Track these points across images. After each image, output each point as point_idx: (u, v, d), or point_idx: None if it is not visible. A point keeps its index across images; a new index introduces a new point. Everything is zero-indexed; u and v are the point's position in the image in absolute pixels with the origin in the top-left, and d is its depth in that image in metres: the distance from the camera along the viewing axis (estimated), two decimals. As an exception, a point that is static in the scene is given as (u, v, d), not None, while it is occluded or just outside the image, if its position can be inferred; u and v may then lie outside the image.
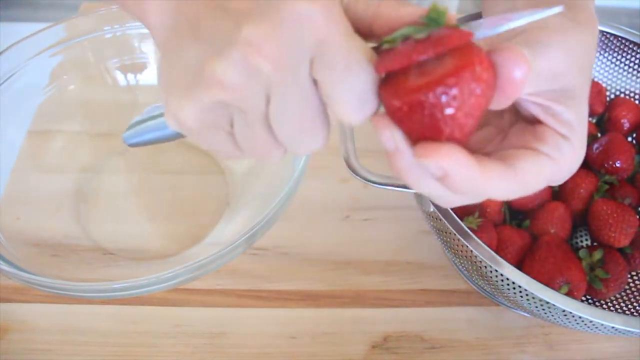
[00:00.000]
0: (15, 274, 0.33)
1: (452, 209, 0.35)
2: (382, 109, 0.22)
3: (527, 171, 0.24)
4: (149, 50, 0.51)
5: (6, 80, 0.44)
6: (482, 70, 0.20)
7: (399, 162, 0.22)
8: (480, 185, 0.23)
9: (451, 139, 0.21)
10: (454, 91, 0.20)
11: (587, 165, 0.47)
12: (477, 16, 0.48)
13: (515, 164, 0.24)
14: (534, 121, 0.26)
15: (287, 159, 0.42)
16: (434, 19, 0.21)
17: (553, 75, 0.24)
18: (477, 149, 0.27)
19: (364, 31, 0.23)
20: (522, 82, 0.22)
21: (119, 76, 0.51)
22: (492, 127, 0.28)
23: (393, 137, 0.22)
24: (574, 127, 0.25)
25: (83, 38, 0.48)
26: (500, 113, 0.28)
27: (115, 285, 0.33)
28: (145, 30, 0.49)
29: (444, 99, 0.20)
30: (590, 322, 0.33)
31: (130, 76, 0.51)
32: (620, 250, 0.42)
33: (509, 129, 0.27)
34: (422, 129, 0.21)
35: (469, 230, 0.35)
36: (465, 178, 0.22)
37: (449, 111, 0.20)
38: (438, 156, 0.21)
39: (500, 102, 0.22)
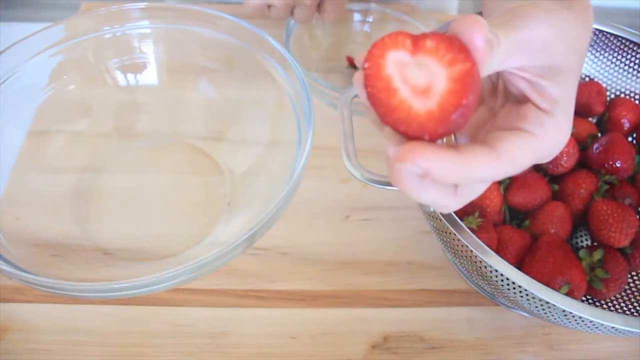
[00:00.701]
0: (15, 274, 0.33)
1: (452, 209, 0.35)
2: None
3: (510, 151, 0.24)
4: (149, 50, 0.51)
5: (6, 80, 0.44)
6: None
7: (393, 173, 0.23)
8: (465, 171, 0.23)
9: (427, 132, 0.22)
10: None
11: (587, 165, 0.47)
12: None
13: (497, 145, 0.24)
14: (522, 101, 0.27)
15: (287, 159, 0.42)
16: None
17: (539, 49, 0.25)
18: (471, 135, 0.28)
19: None
20: (482, 41, 0.22)
21: (119, 76, 0.51)
22: (485, 108, 0.29)
23: (389, 146, 0.23)
24: (557, 102, 0.26)
25: (83, 38, 0.48)
26: (493, 94, 0.29)
27: (115, 285, 0.33)
28: (145, 30, 0.50)
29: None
30: (590, 322, 0.33)
31: (130, 76, 0.51)
32: (621, 250, 0.42)
33: (499, 110, 0.28)
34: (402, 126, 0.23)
35: (469, 230, 0.35)
36: (446, 170, 0.23)
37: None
38: (411, 157, 0.22)
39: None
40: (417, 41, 0.22)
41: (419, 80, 0.22)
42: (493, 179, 0.25)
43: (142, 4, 0.48)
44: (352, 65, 0.63)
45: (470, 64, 0.22)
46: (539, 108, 0.26)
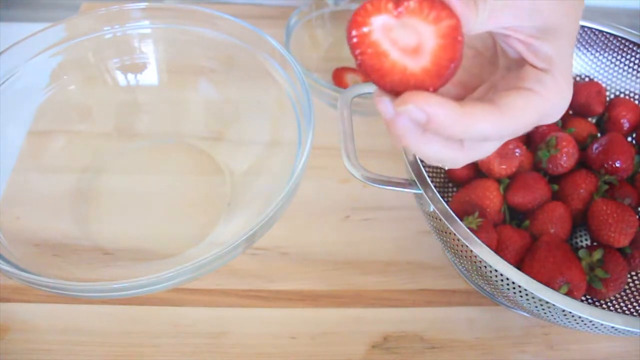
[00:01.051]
0: (15, 273, 0.33)
1: (452, 209, 0.35)
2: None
3: (512, 106, 0.25)
4: (149, 50, 0.51)
5: (6, 80, 0.44)
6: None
7: (395, 128, 0.24)
8: (466, 124, 0.23)
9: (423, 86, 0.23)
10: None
11: (586, 165, 0.47)
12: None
13: (499, 101, 0.25)
14: (520, 64, 0.27)
15: (287, 159, 0.42)
16: None
17: (528, 9, 0.25)
18: None
19: None
20: None
21: (119, 76, 0.51)
22: (487, 84, 0.29)
23: (385, 105, 0.23)
24: (553, 61, 0.26)
25: (83, 38, 0.48)
26: (493, 69, 0.30)
27: (115, 285, 0.33)
28: (146, 31, 0.50)
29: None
30: (590, 322, 0.33)
31: (130, 76, 0.51)
32: (620, 250, 0.42)
33: (500, 81, 0.28)
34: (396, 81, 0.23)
35: (469, 230, 0.35)
36: (448, 118, 0.23)
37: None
38: (415, 100, 0.22)
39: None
40: (399, 3, 0.23)
41: (408, 40, 0.23)
42: (497, 135, 0.25)
43: (143, 4, 0.48)
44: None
45: (455, 19, 0.22)
46: (536, 68, 0.26)
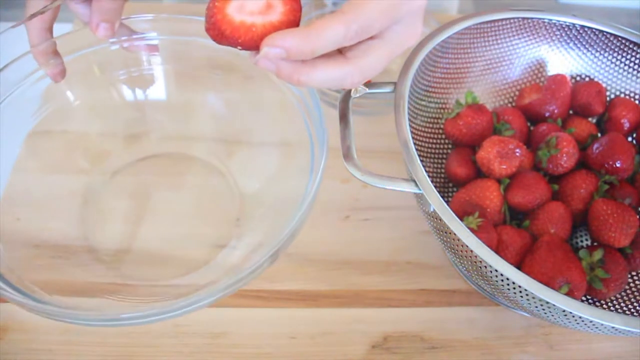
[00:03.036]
0: (25, 303, 0.32)
1: (452, 209, 0.35)
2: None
3: (352, 4, 0.27)
4: (156, 62, 0.50)
5: (8, 96, 0.43)
6: None
7: (280, 72, 0.28)
8: (317, 33, 0.26)
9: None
10: None
11: (587, 165, 0.47)
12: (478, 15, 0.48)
13: (342, 8, 0.27)
14: None
15: (299, 177, 0.41)
16: None
17: None
18: None
19: None
20: None
21: (125, 88, 0.49)
22: None
23: (255, 59, 0.28)
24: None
25: (88, 50, 0.46)
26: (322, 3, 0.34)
27: (124, 315, 0.31)
28: (153, 42, 0.48)
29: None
30: (590, 322, 0.33)
31: (136, 88, 0.50)
32: (621, 250, 0.42)
33: None
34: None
35: (469, 230, 0.35)
36: (297, 37, 0.26)
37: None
38: (265, 43, 0.26)
39: None
40: None
41: (258, 4, 0.28)
42: (351, 31, 0.27)
43: (149, 16, 0.46)
44: None
45: None
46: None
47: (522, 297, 0.34)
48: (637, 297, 0.43)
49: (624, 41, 0.50)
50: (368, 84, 0.42)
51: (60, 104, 0.47)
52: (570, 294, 0.38)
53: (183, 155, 0.52)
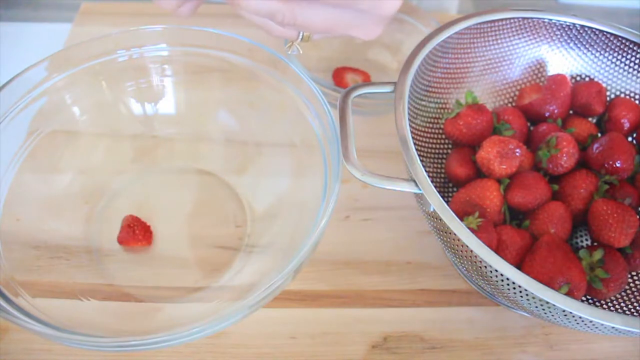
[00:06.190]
0: (36, 330, 0.31)
1: (452, 209, 0.35)
2: None
3: None
4: (166, 75, 0.49)
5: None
6: None
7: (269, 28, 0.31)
8: None
9: None
10: None
11: (587, 165, 0.47)
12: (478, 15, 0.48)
13: None
14: None
15: (311, 199, 0.40)
16: None
17: None
18: None
19: None
20: None
21: (134, 101, 0.49)
22: None
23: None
24: None
25: (95, 62, 0.45)
26: None
27: (133, 342, 0.30)
28: (163, 53, 0.47)
29: None
30: (590, 322, 0.33)
31: (145, 101, 0.50)
32: (621, 250, 0.42)
33: None
34: None
35: (469, 230, 0.35)
36: None
37: None
38: None
39: None
40: None
41: None
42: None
43: (159, 27, 0.46)
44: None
45: None
46: None
47: (522, 297, 0.34)
48: (637, 297, 0.43)
49: (624, 41, 0.50)
50: (364, 83, 0.42)
51: (65, 115, 0.47)
52: (570, 294, 0.38)
53: (191, 168, 0.51)
